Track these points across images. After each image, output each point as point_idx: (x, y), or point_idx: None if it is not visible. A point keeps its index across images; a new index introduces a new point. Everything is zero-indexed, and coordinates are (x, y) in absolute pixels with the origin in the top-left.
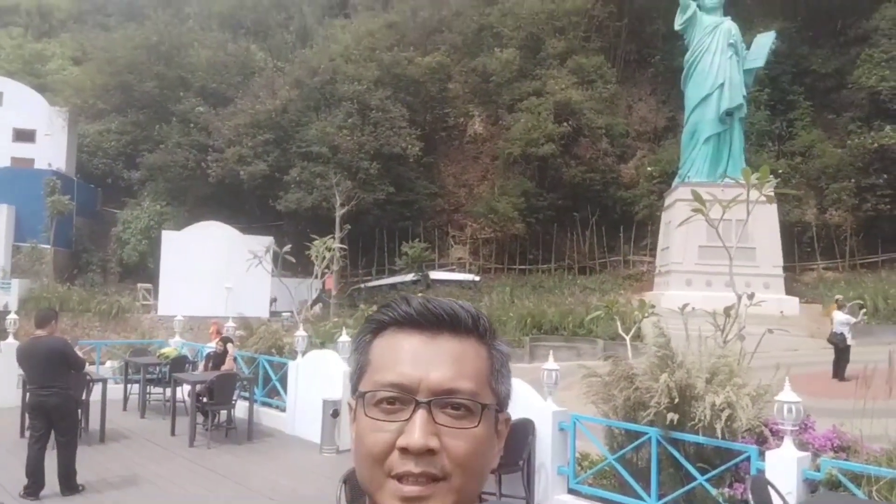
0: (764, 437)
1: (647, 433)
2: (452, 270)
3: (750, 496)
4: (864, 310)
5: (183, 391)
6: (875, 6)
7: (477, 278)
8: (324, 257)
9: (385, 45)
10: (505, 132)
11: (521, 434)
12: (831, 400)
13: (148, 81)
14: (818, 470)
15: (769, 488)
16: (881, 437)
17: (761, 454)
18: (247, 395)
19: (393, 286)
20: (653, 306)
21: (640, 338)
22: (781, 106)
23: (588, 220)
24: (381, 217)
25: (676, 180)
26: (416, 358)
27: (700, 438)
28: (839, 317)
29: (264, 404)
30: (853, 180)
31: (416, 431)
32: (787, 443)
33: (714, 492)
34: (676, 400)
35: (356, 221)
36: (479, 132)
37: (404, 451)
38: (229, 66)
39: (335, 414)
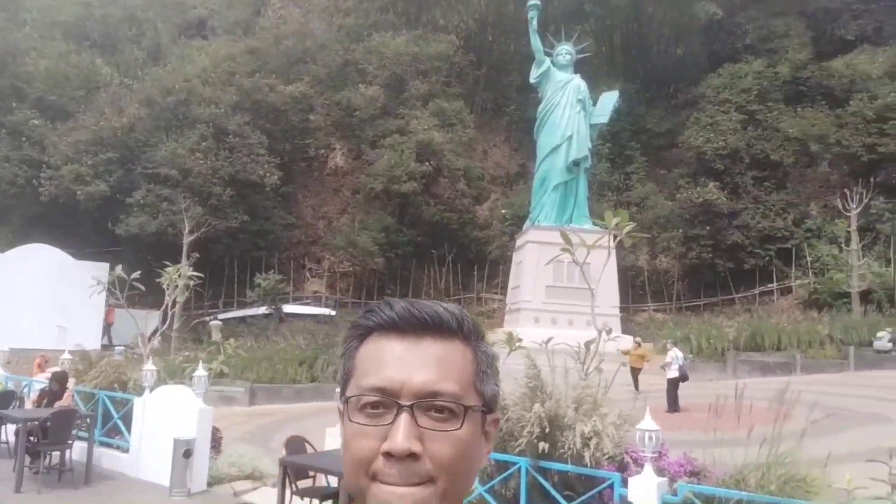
0: (625, 465)
1: (516, 463)
2: (308, 304)
3: None
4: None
5: (6, 431)
6: (702, 75)
7: (333, 312)
8: (175, 285)
9: (245, 70)
10: (367, 167)
11: None
12: (677, 431)
13: None
14: (675, 494)
15: None
16: (727, 464)
17: (624, 481)
18: (86, 434)
19: (243, 319)
20: (520, 339)
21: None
22: (620, 160)
23: (445, 257)
24: (232, 246)
25: (527, 223)
26: (399, 362)
27: (568, 467)
28: (678, 353)
29: (104, 444)
30: (681, 230)
31: (399, 435)
32: (648, 469)
33: None
34: (547, 429)
35: (205, 250)
36: (341, 165)
37: (388, 455)
38: (71, 78)
39: (187, 454)
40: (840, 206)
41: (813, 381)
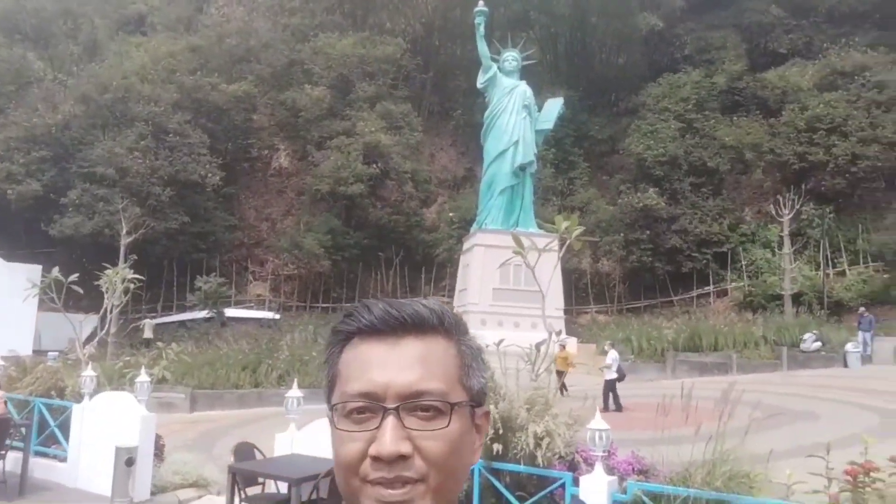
0: (575, 464)
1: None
2: (251, 308)
3: None
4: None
5: None
6: (643, 84)
7: (277, 316)
8: (115, 289)
9: (187, 68)
10: (313, 168)
11: None
12: (625, 430)
13: None
14: (625, 492)
15: None
16: (674, 462)
17: (575, 480)
18: (21, 444)
19: (182, 323)
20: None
21: None
22: (564, 165)
23: (392, 260)
24: (171, 248)
25: (474, 227)
26: (382, 365)
27: (520, 467)
28: (615, 354)
29: (40, 454)
30: (622, 234)
31: (387, 439)
32: (598, 468)
33: None
34: (500, 431)
35: (143, 251)
36: (285, 166)
37: (376, 459)
38: (1, 73)
39: (130, 462)
40: (773, 212)
41: (748, 381)
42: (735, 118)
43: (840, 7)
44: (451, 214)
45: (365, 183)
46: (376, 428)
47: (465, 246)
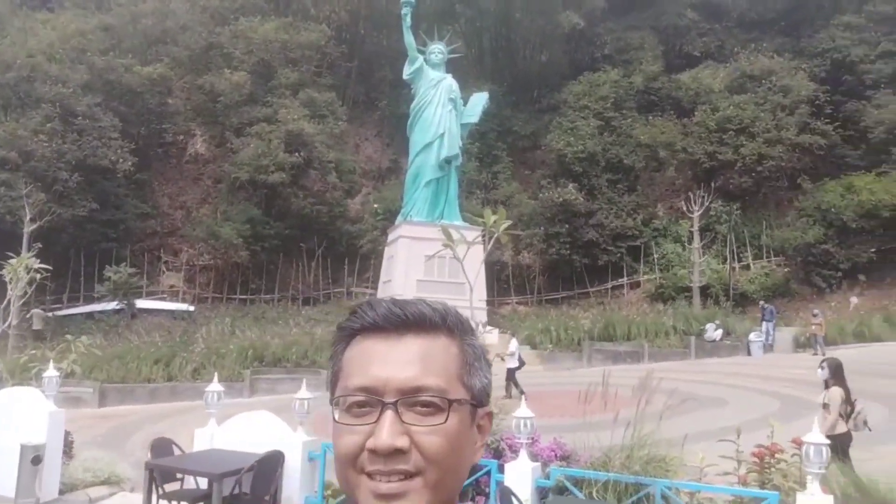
0: (500, 451)
1: None
2: (163, 299)
3: None
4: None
5: None
6: (564, 82)
7: (191, 308)
8: (18, 279)
9: (98, 48)
10: (231, 155)
11: (269, 468)
12: (547, 418)
13: None
14: (548, 478)
15: (512, 497)
16: (594, 447)
17: (500, 467)
18: None
19: (90, 315)
20: None
21: None
22: (488, 159)
23: (315, 251)
24: (79, 236)
25: (399, 218)
26: (383, 360)
27: None
28: (516, 344)
29: None
30: (542, 228)
31: (383, 432)
32: (523, 455)
33: None
34: None
35: (48, 240)
36: (202, 152)
37: (373, 452)
38: None
39: (37, 461)
40: (684, 208)
41: (660, 369)
42: (651, 117)
43: (750, 13)
44: (375, 206)
45: (287, 172)
46: (375, 422)
47: (390, 237)
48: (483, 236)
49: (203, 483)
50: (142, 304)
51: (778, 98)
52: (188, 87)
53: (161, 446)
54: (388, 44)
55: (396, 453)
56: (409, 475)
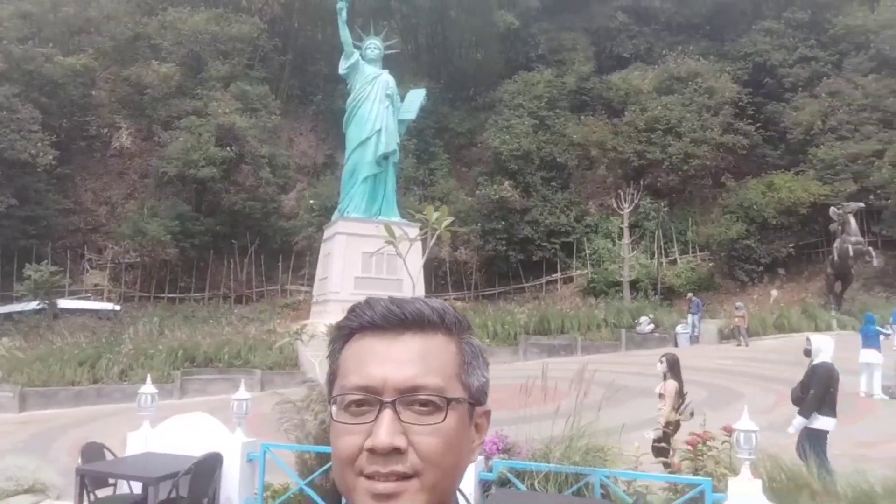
0: None
1: None
2: (88, 298)
3: None
4: None
5: None
6: (500, 80)
7: (117, 307)
8: None
9: (15, 36)
10: (159, 149)
11: (207, 470)
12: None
13: None
14: (491, 471)
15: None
16: (535, 439)
17: None
18: None
19: (9, 316)
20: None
21: (297, 365)
22: (425, 156)
23: (247, 248)
24: None
25: (336, 214)
26: (381, 359)
27: None
28: None
29: None
30: (479, 224)
31: (382, 431)
32: None
33: None
34: None
35: None
36: (127, 146)
37: (372, 451)
38: None
39: None
40: (614, 205)
41: (593, 361)
42: (583, 117)
43: (677, 17)
44: (311, 202)
45: (218, 166)
46: (373, 421)
47: (327, 234)
48: (426, 233)
49: (137, 488)
50: (64, 303)
51: (703, 99)
52: (113, 78)
53: (92, 451)
54: (323, 38)
55: (394, 453)
56: (405, 476)
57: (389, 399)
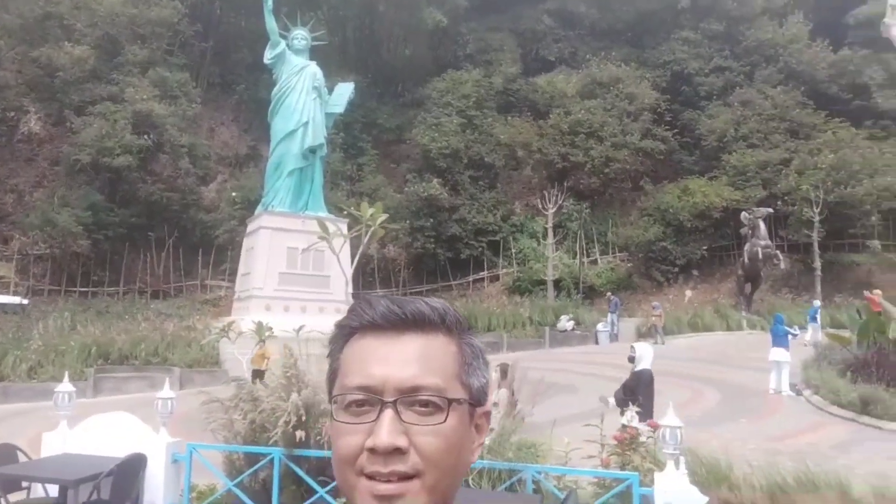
0: None
1: (269, 454)
2: None
3: None
4: None
5: None
6: (428, 78)
7: (25, 301)
8: None
9: None
10: (71, 135)
11: (130, 472)
12: None
13: None
14: None
15: None
16: None
17: None
18: None
19: None
20: (270, 328)
21: (218, 363)
22: (353, 150)
23: (165, 241)
24: None
25: (260, 208)
26: (382, 359)
27: (324, 452)
28: None
29: None
30: (408, 221)
31: (383, 431)
32: None
33: (335, 502)
34: (304, 417)
35: None
36: (36, 131)
37: (373, 451)
38: None
39: None
40: (539, 206)
41: (518, 358)
42: (510, 118)
43: (601, 23)
44: (233, 194)
45: (134, 155)
46: (374, 421)
47: (250, 228)
48: (359, 229)
49: (53, 491)
50: None
51: (624, 105)
52: (20, 59)
53: (4, 453)
54: (247, 25)
55: (395, 453)
56: (407, 477)
57: (390, 399)
